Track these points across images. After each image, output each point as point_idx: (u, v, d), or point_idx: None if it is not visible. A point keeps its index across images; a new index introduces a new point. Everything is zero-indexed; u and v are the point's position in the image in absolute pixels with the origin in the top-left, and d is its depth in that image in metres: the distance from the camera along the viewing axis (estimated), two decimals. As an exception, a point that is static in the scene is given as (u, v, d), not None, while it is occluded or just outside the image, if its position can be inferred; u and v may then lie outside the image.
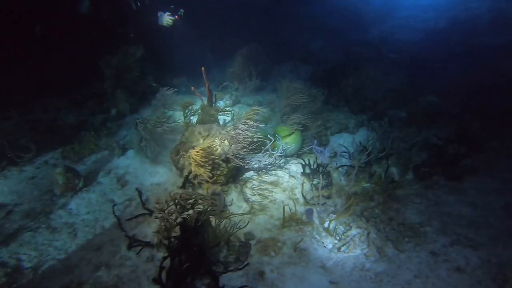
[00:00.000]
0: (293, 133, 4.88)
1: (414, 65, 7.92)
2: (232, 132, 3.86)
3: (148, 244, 3.28)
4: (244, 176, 4.45)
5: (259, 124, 3.89)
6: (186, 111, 4.78)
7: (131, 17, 5.88)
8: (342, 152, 5.18)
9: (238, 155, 3.91)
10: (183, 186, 4.04)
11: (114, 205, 3.78)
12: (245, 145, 3.82)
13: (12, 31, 5.82)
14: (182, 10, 6.12)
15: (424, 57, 8.32)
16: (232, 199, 4.02)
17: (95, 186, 4.27)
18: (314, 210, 3.78)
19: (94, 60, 5.87)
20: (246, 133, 3.80)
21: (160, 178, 4.39)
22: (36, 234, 3.52)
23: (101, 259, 3.18)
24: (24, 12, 5.84)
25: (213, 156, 3.80)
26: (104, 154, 4.93)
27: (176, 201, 3.04)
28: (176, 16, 6.06)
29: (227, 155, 3.90)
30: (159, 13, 6.00)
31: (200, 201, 3.19)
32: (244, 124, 3.78)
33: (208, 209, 3.09)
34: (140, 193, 3.87)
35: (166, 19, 6.01)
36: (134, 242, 3.31)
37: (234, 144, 3.84)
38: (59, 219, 3.73)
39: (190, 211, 3.12)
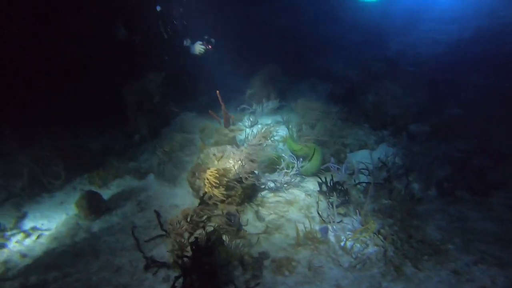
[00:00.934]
0: (313, 151, 4.89)
1: (436, 78, 7.74)
2: (245, 151, 3.94)
3: (164, 265, 3.34)
4: (260, 195, 4.47)
5: (271, 142, 3.94)
6: (202, 133, 4.95)
7: (163, 44, 6.30)
8: (361, 169, 5.10)
9: (251, 175, 3.96)
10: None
11: (134, 227, 3.92)
12: (258, 163, 3.87)
13: (46, 61, 6.37)
14: (213, 40, 6.47)
15: (447, 69, 8.12)
16: (248, 219, 4.03)
17: (117, 209, 4.45)
18: (330, 228, 3.71)
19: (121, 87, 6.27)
20: (259, 151, 3.86)
21: (178, 200, 4.51)
22: (61, 256, 3.70)
23: (120, 280, 3.27)
24: (59, 41, 6.38)
25: (226, 178, 3.88)
26: (126, 178, 5.16)
27: (188, 219, 3.11)
28: (209, 46, 6.41)
29: (240, 175, 3.96)
30: (191, 42, 6.36)
31: (212, 219, 3.23)
32: (256, 143, 3.85)
33: (220, 227, 3.12)
34: (158, 215, 3.98)
35: (199, 48, 6.34)
36: (151, 263, 3.39)
37: (247, 163, 3.91)
38: (83, 242, 3.91)
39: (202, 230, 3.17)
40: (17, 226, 4.46)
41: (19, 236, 4.22)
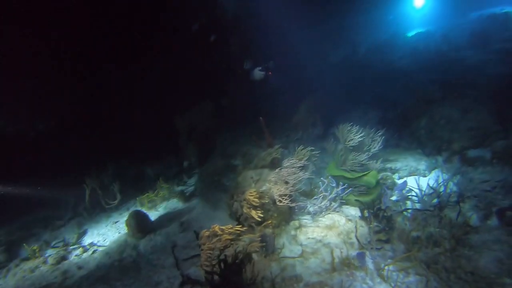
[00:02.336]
0: (368, 173, 4.76)
1: (501, 98, 7.07)
2: (280, 174, 3.99)
3: (198, 282, 3.43)
4: (298, 219, 4.41)
5: (304, 163, 3.95)
6: (244, 159, 5.12)
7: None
8: (410, 195, 4.79)
9: (286, 197, 3.96)
10: (236, 229, 4.20)
11: (174, 246, 4.12)
12: (292, 185, 3.87)
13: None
14: (271, 65, 6.71)
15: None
16: (284, 242, 3.99)
17: (161, 229, 4.73)
18: (368, 254, 3.50)
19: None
20: (293, 174, 3.88)
21: (218, 222, 4.58)
22: (109, 269, 4.01)
23: (158, 294, 3.44)
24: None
25: (262, 200, 3.93)
26: (173, 201, 5.49)
27: (218, 236, 3.20)
28: (270, 72, 6.67)
29: (274, 196, 3.99)
30: (251, 66, 6.67)
31: (244, 239, 3.28)
32: (290, 165, 3.88)
33: (250, 247, 3.15)
34: (197, 236, 4.14)
35: (259, 74, 6.58)
36: (186, 280, 3.50)
37: (281, 185, 3.94)
38: (129, 258, 4.20)
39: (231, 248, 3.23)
40: (78, 241, 4.97)
41: (79, 251, 4.69)
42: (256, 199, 3.83)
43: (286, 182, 3.96)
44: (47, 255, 4.59)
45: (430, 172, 5.55)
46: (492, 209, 4.17)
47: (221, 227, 3.28)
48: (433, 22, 13.18)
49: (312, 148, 4.50)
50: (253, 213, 3.91)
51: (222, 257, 3.11)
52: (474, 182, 4.66)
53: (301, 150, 4.26)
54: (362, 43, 13.44)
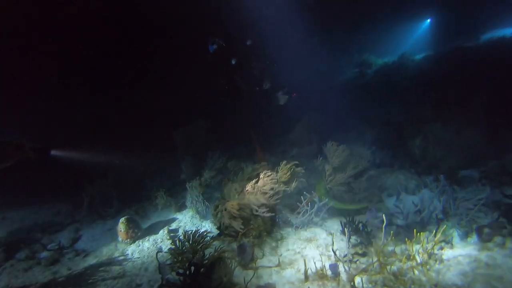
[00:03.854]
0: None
1: (495, 119, 7.10)
2: (258, 184, 4.15)
3: (175, 285, 3.57)
4: (281, 231, 4.53)
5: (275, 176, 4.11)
6: (236, 173, 5.30)
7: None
8: (395, 212, 4.85)
9: (263, 208, 4.11)
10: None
11: (159, 251, 4.29)
12: (270, 197, 4.03)
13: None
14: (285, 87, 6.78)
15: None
16: (264, 253, 4.11)
17: (151, 236, 4.92)
18: (341, 265, 3.59)
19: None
20: (269, 186, 4.04)
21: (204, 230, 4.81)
22: (96, 271, 4.21)
23: (138, 296, 3.60)
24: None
25: (242, 212, 4.10)
26: (165, 211, 5.69)
27: (189, 240, 3.36)
28: (294, 94, 6.76)
29: (252, 207, 4.14)
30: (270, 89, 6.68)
31: (216, 245, 3.43)
32: (268, 178, 4.05)
33: (221, 252, 3.30)
34: (181, 243, 4.30)
35: (283, 98, 6.64)
36: (165, 283, 3.65)
37: (259, 196, 4.10)
38: (115, 262, 4.39)
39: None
40: (72, 245, 5.20)
41: (72, 254, 4.90)
42: (235, 210, 3.99)
43: (264, 193, 4.11)
44: (41, 256, 4.82)
45: (419, 190, 5.59)
46: (473, 226, 4.21)
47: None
48: (446, 42, 13.16)
49: (297, 163, 4.66)
50: (234, 223, 4.07)
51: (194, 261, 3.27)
52: (458, 200, 4.69)
53: (285, 165, 4.42)
54: (371, 64, 13.70)
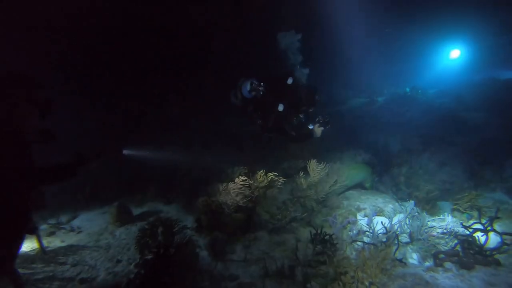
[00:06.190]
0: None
1: (481, 153, 7.39)
2: (228, 187, 4.65)
3: (147, 264, 4.03)
4: (255, 233, 4.93)
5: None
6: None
7: None
8: (366, 231, 5.20)
9: (232, 207, 4.58)
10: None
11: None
12: (240, 200, 4.51)
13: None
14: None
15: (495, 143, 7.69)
16: (236, 249, 4.52)
17: (139, 222, 5.40)
18: (300, 268, 3.99)
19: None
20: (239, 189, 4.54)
21: (186, 222, 5.27)
22: (85, 246, 4.72)
23: (115, 269, 4.06)
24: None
25: (215, 208, 4.58)
26: (157, 202, 6.21)
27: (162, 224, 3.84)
28: (329, 125, 5.64)
29: (223, 206, 4.61)
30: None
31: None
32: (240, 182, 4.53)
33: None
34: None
35: (319, 130, 5.46)
36: (143, 262, 4.11)
37: (234, 195, 4.58)
38: (104, 240, 4.89)
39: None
40: (69, 222, 5.74)
41: (67, 229, 5.42)
42: (207, 207, 4.47)
43: (237, 195, 4.58)
44: (40, 228, 5.37)
45: (394, 215, 5.90)
46: (432, 251, 4.53)
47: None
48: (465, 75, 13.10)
49: (276, 173, 5.10)
50: (202, 217, 4.55)
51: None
52: (423, 227, 5.01)
53: (261, 173, 4.88)
54: (383, 92, 14.08)
